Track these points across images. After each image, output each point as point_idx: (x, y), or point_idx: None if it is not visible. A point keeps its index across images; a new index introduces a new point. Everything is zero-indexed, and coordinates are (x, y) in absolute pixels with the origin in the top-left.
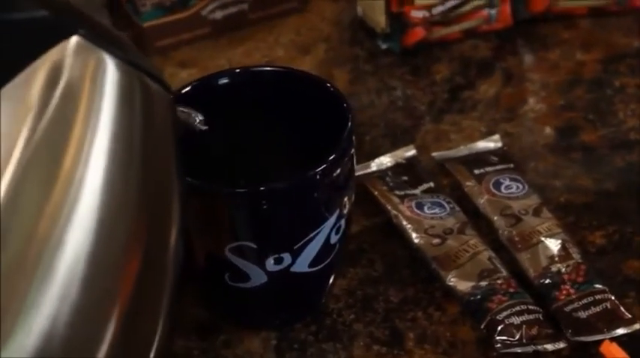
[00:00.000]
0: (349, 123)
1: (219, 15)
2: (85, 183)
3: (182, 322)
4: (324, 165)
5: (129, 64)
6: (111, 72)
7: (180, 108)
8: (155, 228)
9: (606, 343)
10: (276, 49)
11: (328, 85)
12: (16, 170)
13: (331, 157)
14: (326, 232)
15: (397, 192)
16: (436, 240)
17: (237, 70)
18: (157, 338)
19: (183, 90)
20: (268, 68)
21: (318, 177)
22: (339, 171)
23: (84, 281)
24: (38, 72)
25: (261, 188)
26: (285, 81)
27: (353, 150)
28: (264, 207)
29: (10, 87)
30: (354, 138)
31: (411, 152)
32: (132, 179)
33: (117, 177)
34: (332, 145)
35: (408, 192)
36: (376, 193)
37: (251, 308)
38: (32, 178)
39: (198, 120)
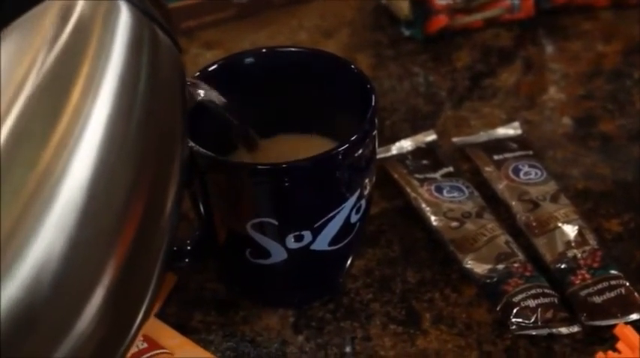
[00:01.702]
0: (373, 104)
1: None
2: (90, 119)
3: (201, 297)
4: (347, 145)
5: (142, 13)
6: (123, 16)
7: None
8: (156, 181)
9: (620, 325)
10: (299, 32)
11: (352, 66)
12: (24, 98)
13: (353, 137)
14: (346, 211)
15: (417, 176)
16: (454, 223)
17: (264, 50)
18: (147, 296)
19: (210, 68)
20: (293, 48)
21: (340, 156)
22: (360, 151)
23: (83, 217)
24: (51, 8)
25: (284, 165)
26: (310, 61)
27: (375, 132)
28: (286, 184)
29: (23, 19)
30: (376, 119)
31: (431, 137)
32: (135, 123)
33: (121, 118)
34: (355, 126)
35: (428, 175)
36: (396, 176)
37: (270, 285)
38: (40, 107)
39: (217, 99)
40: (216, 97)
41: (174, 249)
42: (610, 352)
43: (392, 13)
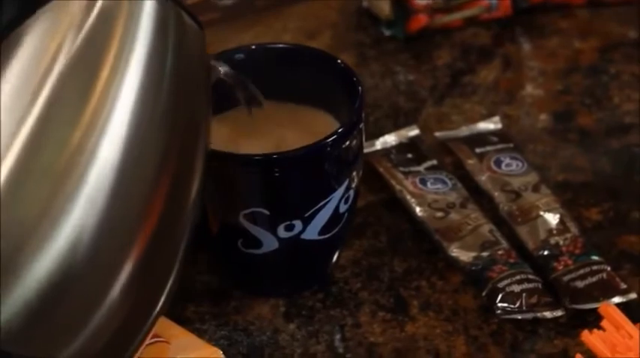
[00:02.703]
0: (359, 97)
1: (229, 1)
2: (119, 99)
3: (193, 288)
4: (334, 136)
5: None
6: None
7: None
8: (183, 157)
9: (605, 305)
10: (283, 34)
11: (339, 61)
12: (54, 81)
13: (341, 129)
14: (335, 201)
15: (401, 169)
16: (439, 214)
17: (253, 47)
18: (173, 273)
19: None
20: (282, 45)
21: (328, 148)
22: (348, 142)
23: (112, 195)
24: None
25: (274, 155)
26: (298, 57)
27: (362, 125)
28: (276, 174)
29: (50, 5)
30: (363, 113)
31: (414, 131)
32: (162, 103)
33: (149, 97)
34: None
35: (412, 168)
36: (381, 170)
37: (262, 274)
38: (69, 88)
39: (222, 71)
40: (234, 74)
41: None
42: (595, 330)
43: (373, 13)
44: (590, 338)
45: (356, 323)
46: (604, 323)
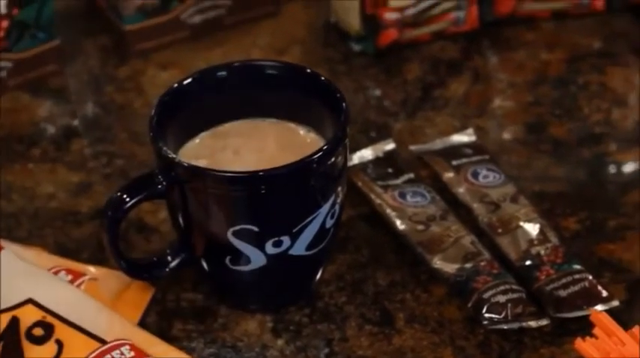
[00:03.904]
0: (344, 112)
1: (197, 19)
2: None
3: (179, 306)
4: (320, 153)
5: None
6: None
7: None
8: None
9: (595, 312)
10: (253, 51)
11: (322, 77)
12: None
13: (326, 145)
14: (322, 217)
15: (380, 183)
16: (420, 226)
17: (236, 64)
18: None
19: (185, 82)
20: (265, 62)
21: (314, 164)
22: (333, 159)
23: None
24: None
25: (260, 173)
26: (280, 73)
27: (347, 140)
28: (263, 191)
29: None
30: (348, 128)
31: (390, 146)
32: None
33: None
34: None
35: (390, 182)
36: (360, 184)
37: (249, 290)
38: None
39: None
40: None
41: (155, 259)
42: (588, 338)
43: (341, 29)
44: (584, 345)
45: (343, 337)
46: (596, 330)
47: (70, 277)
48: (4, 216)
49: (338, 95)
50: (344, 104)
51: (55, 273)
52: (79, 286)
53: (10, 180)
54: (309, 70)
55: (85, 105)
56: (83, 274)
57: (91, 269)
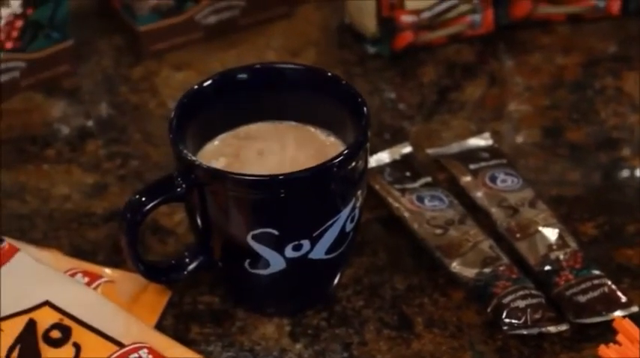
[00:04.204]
0: (364, 118)
1: (212, 20)
2: None
3: (196, 309)
4: (341, 157)
5: None
6: None
7: None
8: None
9: (619, 319)
10: (267, 52)
11: (343, 81)
12: None
13: (347, 149)
14: (342, 220)
15: (397, 186)
16: (438, 231)
17: (257, 66)
18: None
19: (205, 83)
20: (286, 65)
21: (335, 168)
22: (354, 163)
23: None
24: None
25: (280, 176)
26: (301, 77)
27: (368, 143)
28: (282, 195)
29: None
30: (369, 131)
31: (407, 149)
32: None
33: None
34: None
35: (408, 186)
36: (377, 187)
37: (267, 294)
38: None
39: None
40: None
41: (173, 262)
42: (612, 344)
43: (356, 31)
44: (607, 352)
45: (362, 342)
46: (619, 337)
47: (86, 279)
48: (19, 218)
49: (359, 99)
50: (365, 108)
51: (72, 276)
52: (95, 288)
53: (24, 181)
54: (329, 74)
55: (99, 106)
56: (100, 276)
57: (108, 271)
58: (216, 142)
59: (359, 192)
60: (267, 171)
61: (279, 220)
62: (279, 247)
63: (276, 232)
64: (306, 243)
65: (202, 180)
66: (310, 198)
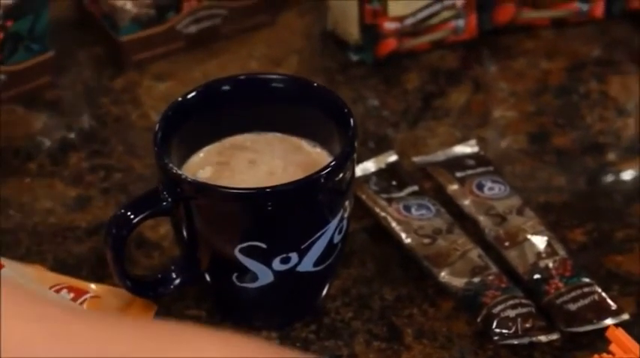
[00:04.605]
0: (351, 128)
1: (193, 29)
2: None
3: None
4: (328, 169)
5: None
6: None
7: None
8: None
9: (612, 328)
10: (249, 61)
11: (330, 92)
12: None
13: (334, 161)
14: (330, 232)
15: (383, 196)
16: (426, 240)
17: (241, 77)
18: None
19: (189, 96)
20: (270, 75)
21: (322, 179)
22: (341, 174)
23: None
24: None
25: (267, 189)
26: (286, 87)
27: (355, 154)
28: (269, 208)
29: None
30: (356, 142)
31: (392, 157)
32: None
33: None
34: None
35: (394, 195)
36: (363, 197)
37: (255, 308)
38: None
39: None
40: None
41: (159, 276)
42: (605, 354)
43: (339, 38)
44: None
45: (351, 354)
46: (612, 346)
47: (72, 295)
48: (3, 233)
49: (345, 110)
50: (352, 119)
51: (57, 292)
52: (81, 304)
53: (7, 195)
54: (315, 84)
55: (80, 118)
56: (85, 292)
57: (93, 286)
58: (201, 154)
59: (346, 203)
60: (257, 181)
61: (266, 233)
62: (266, 260)
63: (263, 245)
64: (294, 256)
65: (188, 193)
66: (298, 210)
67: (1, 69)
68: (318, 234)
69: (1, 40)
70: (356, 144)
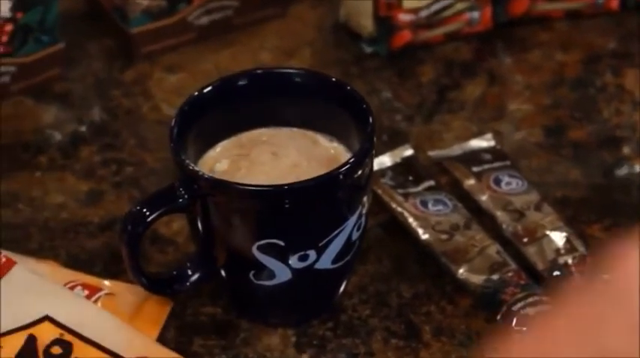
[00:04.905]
0: (370, 124)
1: (204, 21)
2: None
3: (198, 321)
4: (347, 166)
5: None
6: None
7: None
8: None
9: None
10: (261, 53)
11: (348, 87)
12: None
13: (353, 158)
14: (349, 229)
15: (400, 191)
16: (444, 236)
17: (258, 71)
18: None
19: (205, 90)
20: (287, 70)
21: (341, 176)
22: (361, 171)
23: None
24: None
25: (285, 186)
26: (303, 82)
27: (373, 150)
28: (287, 205)
29: None
30: (374, 138)
31: (408, 152)
32: None
33: None
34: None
35: (411, 190)
36: (379, 191)
37: (272, 305)
38: None
39: None
40: None
41: (174, 273)
42: None
43: (352, 30)
44: None
45: (369, 352)
46: None
47: (86, 292)
48: (13, 228)
49: (364, 105)
50: (370, 115)
51: (71, 289)
52: (95, 301)
53: (17, 189)
54: (333, 79)
55: (91, 111)
56: (99, 289)
57: (107, 283)
58: (218, 149)
59: (365, 199)
60: (280, 173)
61: (284, 231)
62: (284, 258)
63: (281, 243)
64: (312, 253)
65: (205, 190)
66: (316, 207)
67: (11, 61)
68: (337, 231)
69: (11, 31)
70: (375, 139)
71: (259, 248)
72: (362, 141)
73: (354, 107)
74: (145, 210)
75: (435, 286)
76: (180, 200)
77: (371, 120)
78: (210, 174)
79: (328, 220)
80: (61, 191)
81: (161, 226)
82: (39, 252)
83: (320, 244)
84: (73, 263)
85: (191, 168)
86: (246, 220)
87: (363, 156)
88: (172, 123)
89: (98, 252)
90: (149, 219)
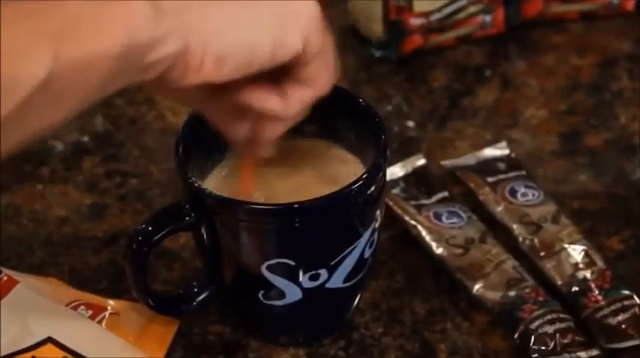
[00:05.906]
0: (382, 140)
1: None
2: None
3: (206, 340)
4: (360, 182)
5: None
6: None
7: None
8: None
9: None
10: None
11: (360, 100)
12: None
13: (365, 174)
14: (361, 247)
15: (412, 202)
16: (458, 250)
17: None
18: None
19: None
20: None
21: (353, 193)
22: (373, 187)
23: None
24: None
25: (295, 205)
26: None
27: (385, 166)
28: (297, 224)
29: None
30: (388, 152)
31: (420, 161)
32: None
33: None
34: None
35: (424, 201)
36: (391, 203)
37: (282, 325)
38: None
39: None
40: None
41: (181, 292)
42: None
43: (361, 34)
44: None
45: None
46: None
47: (90, 312)
48: (15, 242)
49: (377, 119)
50: (383, 130)
51: (75, 309)
52: (100, 322)
53: (19, 202)
54: (345, 91)
55: (93, 120)
56: (104, 308)
57: (112, 302)
58: (225, 163)
59: (377, 214)
60: (279, 194)
61: (294, 250)
62: (295, 277)
63: (292, 262)
64: (323, 273)
65: (212, 209)
66: (327, 226)
67: None
68: (349, 249)
69: None
70: (388, 154)
71: (269, 267)
72: (375, 156)
73: (366, 120)
74: (150, 228)
75: (450, 302)
76: (187, 218)
77: (384, 135)
78: (218, 192)
79: (340, 238)
80: (63, 204)
81: (167, 240)
82: (41, 268)
83: (332, 263)
84: (76, 280)
85: (197, 185)
86: (255, 239)
87: (376, 173)
88: (177, 138)
89: (102, 268)
90: (155, 239)
